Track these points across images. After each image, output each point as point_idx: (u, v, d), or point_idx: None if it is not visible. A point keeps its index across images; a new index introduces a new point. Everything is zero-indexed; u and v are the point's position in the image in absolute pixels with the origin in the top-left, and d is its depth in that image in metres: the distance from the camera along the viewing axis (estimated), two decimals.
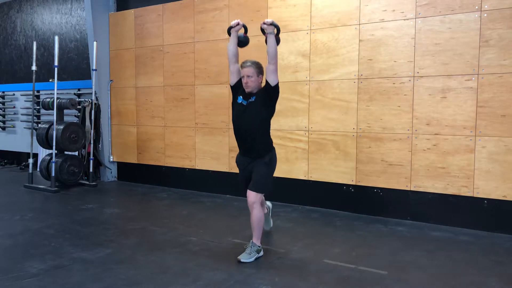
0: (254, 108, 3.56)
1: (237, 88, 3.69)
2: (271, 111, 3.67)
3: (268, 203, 3.91)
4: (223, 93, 5.88)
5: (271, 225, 4.34)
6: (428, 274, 3.30)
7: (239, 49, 3.76)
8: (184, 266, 3.44)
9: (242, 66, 3.59)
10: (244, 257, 3.51)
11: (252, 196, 3.55)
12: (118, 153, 7.21)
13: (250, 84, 3.55)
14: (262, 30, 3.58)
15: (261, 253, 3.63)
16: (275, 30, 3.54)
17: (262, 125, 3.62)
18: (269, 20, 3.52)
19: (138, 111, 6.88)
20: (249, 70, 3.53)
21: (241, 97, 3.64)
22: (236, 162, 3.82)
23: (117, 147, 7.21)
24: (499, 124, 4.25)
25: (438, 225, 4.54)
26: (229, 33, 3.71)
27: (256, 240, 3.60)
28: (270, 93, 3.57)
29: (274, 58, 3.50)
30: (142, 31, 6.74)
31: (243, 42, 3.74)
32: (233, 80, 3.70)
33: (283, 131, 5.45)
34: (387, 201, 4.87)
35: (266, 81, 3.55)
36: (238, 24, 3.66)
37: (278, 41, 3.59)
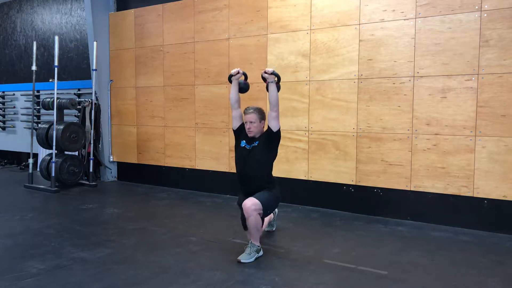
0: (258, 152, 3.68)
1: (239, 132, 3.83)
2: (274, 154, 3.82)
3: (261, 251, 3.86)
4: (223, 93, 5.88)
5: (274, 228, 4.37)
6: (428, 274, 3.30)
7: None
8: (184, 266, 3.44)
9: (245, 112, 3.73)
10: (244, 258, 3.52)
11: (250, 204, 3.51)
12: (118, 153, 7.22)
13: (253, 130, 3.69)
14: (263, 78, 3.71)
15: (261, 252, 3.63)
16: (276, 79, 3.67)
17: (266, 168, 3.75)
18: (269, 69, 3.67)
19: (138, 111, 6.88)
20: (252, 117, 3.67)
21: (244, 141, 3.76)
22: (238, 202, 3.83)
23: (117, 147, 7.21)
24: (499, 124, 4.25)
25: (438, 225, 4.54)
26: (230, 81, 3.88)
27: (255, 241, 3.60)
28: (273, 138, 3.71)
29: (276, 105, 3.65)
30: (142, 31, 6.74)
31: (243, 88, 3.91)
32: (236, 124, 3.85)
33: (283, 131, 5.40)
34: (387, 201, 4.87)
35: (269, 127, 3.68)
36: (238, 72, 3.83)
37: (278, 88, 3.73)
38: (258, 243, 3.61)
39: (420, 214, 4.68)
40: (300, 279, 3.19)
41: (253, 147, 3.70)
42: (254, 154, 3.68)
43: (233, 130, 3.89)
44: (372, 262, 3.52)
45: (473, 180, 4.39)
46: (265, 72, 3.67)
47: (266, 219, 4.06)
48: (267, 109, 3.87)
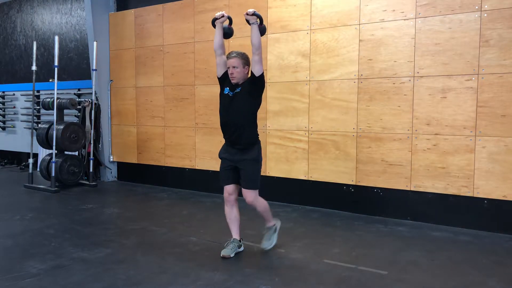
0: (240, 98, 3.54)
1: (223, 80, 3.68)
2: (257, 102, 3.63)
3: (278, 223, 3.87)
4: None
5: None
6: (428, 274, 3.30)
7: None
8: (184, 266, 3.44)
9: (228, 57, 3.57)
10: (266, 245, 3.72)
11: (251, 196, 3.57)
12: (118, 153, 7.22)
13: (236, 75, 3.52)
14: (247, 21, 3.56)
15: (279, 225, 3.85)
16: (258, 20, 3.51)
17: (249, 116, 3.58)
18: (251, 10, 3.51)
19: (138, 111, 6.88)
20: (235, 61, 3.51)
21: (227, 88, 3.62)
22: (220, 155, 3.76)
23: (117, 147, 7.21)
24: (499, 124, 4.25)
25: (438, 225, 4.54)
26: (214, 25, 3.71)
27: (269, 223, 3.75)
28: (255, 84, 3.53)
29: (258, 48, 3.44)
30: (142, 31, 6.74)
31: (227, 33, 3.74)
32: (220, 71, 3.68)
33: (283, 131, 5.45)
34: (387, 201, 4.87)
35: (251, 72, 3.52)
36: (223, 16, 3.65)
37: (262, 31, 3.55)
38: (273, 222, 3.78)
39: (420, 214, 4.68)
40: (300, 279, 3.19)
41: (235, 93, 3.55)
42: (237, 101, 3.53)
43: (217, 78, 3.71)
44: (372, 262, 3.52)
45: (473, 180, 4.39)
46: (247, 14, 3.49)
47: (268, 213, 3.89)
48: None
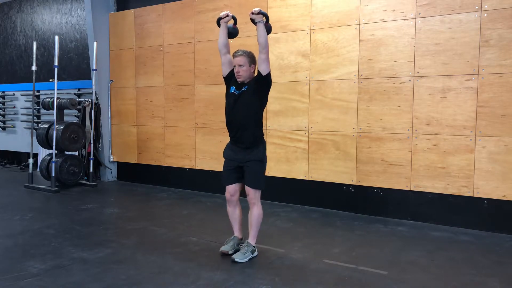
0: (246, 97, 3.53)
1: (229, 79, 3.66)
2: (263, 101, 3.62)
3: (256, 252, 3.67)
4: (223, 93, 5.84)
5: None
6: (428, 274, 3.30)
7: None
8: (184, 266, 3.44)
9: (234, 56, 3.56)
10: (238, 257, 3.51)
11: (252, 193, 3.55)
12: (118, 153, 7.21)
13: (242, 74, 3.51)
14: (252, 20, 3.54)
15: (256, 253, 3.62)
16: (264, 18, 3.49)
17: (255, 115, 3.56)
18: (256, 9, 3.48)
19: (138, 111, 6.88)
20: (241, 60, 3.50)
21: (233, 87, 3.61)
22: (224, 153, 3.72)
23: (117, 147, 7.21)
24: (499, 124, 4.25)
25: (438, 225, 4.54)
26: (219, 24, 3.70)
27: (252, 240, 3.60)
28: (262, 83, 3.52)
29: (265, 47, 3.44)
30: (142, 31, 6.74)
31: (232, 33, 3.74)
32: (225, 71, 3.67)
33: (283, 131, 5.45)
34: (387, 201, 4.87)
35: (258, 71, 3.52)
36: (227, 15, 3.64)
37: (269, 29, 3.55)
38: (254, 243, 3.61)
39: (420, 214, 4.68)
40: (300, 279, 3.19)
41: (241, 92, 3.53)
42: (243, 100, 3.51)
43: (223, 77, 3.69)
44: (372, 262, 3.52)
45: (473, 180, 4.39)
46: (252, 13, 3.45)
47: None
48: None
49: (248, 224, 3.68)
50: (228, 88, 3.67)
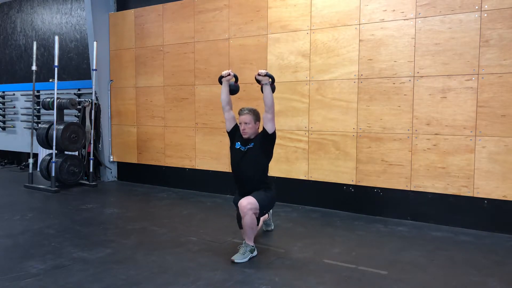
0: (253, 154, 3.66)
1: (233, 134, 3.80)
2: (269, 156, 3.78)
3: (256, 251, 3.75)
4: None
5: (272, 227, 4.40)
6: (428, 274, 3.30)
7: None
8: (184, 266, 3.44)
9: (239, 113, 3.71)
10: (238, 258, 3.52)
11: (246, 203, 3.50)
12: (118, 153, 7.22)
13: (248, 131, 3.66)
14: (257, 81, 3.65)
15: (255, 252, 3.63)
16: (270, 80, 3.61)
17: (262, 170, 3.72)
18: (263, 71, 3.58)
19: (138, 111, 6.89)
20: (247, 118, 3.65)
21: (238, 143, 3.73)
22: (234, 201, 3.81)
23: (117, 147, 7.21)
24: (499, 124, 4.25)
25: (438, 225, 4.55)
26: (220, 82, 3.84)
27: (249, 241, 3.60)
28: (268, 140, 3.67)
29: (271, 107, 3.59)
30: (142, 31, 6.74)
31: (234, 90, 3.88)
32: (229, 126, 3.82)
33: (283, 131, 5.45)
34: (387, 201, 4.87)
35: (264, 128, 3.64)
36: (229, 74, 3.78)
37: (273, 89, 3.67)
38: (252, 243, 3.61)
39: (420, 214, 4.68)
40: (300, 279, 3.19)
41: (248, 149, 3.68)
42: (250, 156, 3.66)
43: (227, 132, 3.85)
44: (372, 262, 3.52)
45: (473, 180, 4.39)
46: (259, 75, 3.59)
47: (261, 219, 4.05)
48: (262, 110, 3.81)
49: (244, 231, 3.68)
50: (232, 143, 3.79)
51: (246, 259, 3.54)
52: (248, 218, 3.53)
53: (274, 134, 3.65)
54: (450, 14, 4.42)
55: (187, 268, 3.39)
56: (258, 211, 3.56)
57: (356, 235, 4.29)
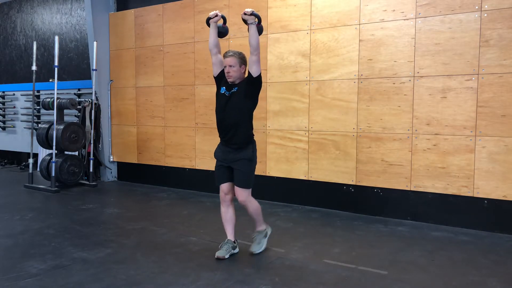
0: (237, 98, 3.53)
1: (220, 79, 3.66)
2: (254, 102, 3.63)
3: (269, 229, 3.85)
4: None
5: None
6: (428, 274, 3.30)
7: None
8: (184, 266, 3.44)
9: (224, 56, 3.56)
10: (255, 248, 3.64)
11: (243, 195, 3.56)
12: (118, 153, 7.22)
13: (232, 74, 3.51)
14: (244, 20, 3.53)
15: (269, 231, 3.80)
16: (256, 20, 3.48)
17: (245, 115, 3.58)
18: (249, 10, 3.47)
19: (138, 111, 6.88)
20: (231, 60, 3.50)
21: (224, 87, 3.60)
22: (215, 154, 3.75)
23: (117, 147, 7.21)
24: (499, 124, 4.25)
25: (438, 225, 4.54)
26: (208, 24, 3.72)
27: (260, 227, 3.72)
28: (252, 84, 3.53)
29: (256, 49, 3.45)
30: (142, 31, 6.74)
31: (222, 32, 3.75)
32: (216, 71, 3.67)
33: (283, 131, 5.45)
34: (387, 201, 4.87)
35: (249, 72, 3.52)
36: (216, 15, 3.65)
37: (260, 30, 3.55)
38: (263, 226, 3.73)
39: (420, 214, 4.68)
40: (300, 279, 3.19)
41: (232, 93, 3.53)
42: (233, 101, 3.52)
43: (214, 77, 3.69)
44: (372, 262, 3.52)
45: (473, 180, 4.39)
46: (245, 14, 3.44)
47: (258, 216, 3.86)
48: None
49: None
50: (218, 88, 3.67)
51: (264, 246, 3.72)
52: (250, 207, 3.60)
53: (259, 77, 3.50)
54: (450, 14, 4.42)
55: (187, 268, 3.39)
56: (250, 190, 3.61)
57: (356, 235, 4.29)
